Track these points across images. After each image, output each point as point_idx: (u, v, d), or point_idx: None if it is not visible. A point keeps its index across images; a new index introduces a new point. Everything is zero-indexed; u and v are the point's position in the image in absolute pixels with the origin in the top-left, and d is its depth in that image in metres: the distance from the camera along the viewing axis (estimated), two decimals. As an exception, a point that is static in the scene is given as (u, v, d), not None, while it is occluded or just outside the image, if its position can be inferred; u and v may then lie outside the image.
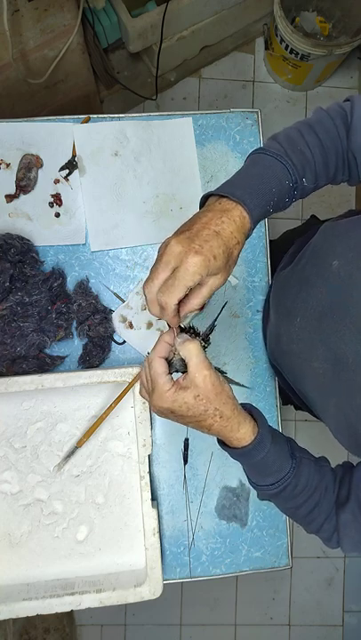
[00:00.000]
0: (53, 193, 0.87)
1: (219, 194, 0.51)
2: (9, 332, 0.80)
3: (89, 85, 1.54)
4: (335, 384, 0.58)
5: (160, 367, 0.52)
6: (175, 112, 0.91)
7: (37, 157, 0.86)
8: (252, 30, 1.89)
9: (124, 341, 0.87)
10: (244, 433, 0.54)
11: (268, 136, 0.61)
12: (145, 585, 0.75)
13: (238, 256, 0.51)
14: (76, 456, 0.81)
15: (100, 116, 0.89)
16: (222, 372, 0.62)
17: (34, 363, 0.82)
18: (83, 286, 0.85)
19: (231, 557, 0.86)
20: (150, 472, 0.82)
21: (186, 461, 0.86)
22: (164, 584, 0.77)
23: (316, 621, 1.89)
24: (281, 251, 0.89)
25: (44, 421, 0.81)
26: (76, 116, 0.88)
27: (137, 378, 0.77)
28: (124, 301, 0.87)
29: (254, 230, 0.53)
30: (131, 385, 0.77)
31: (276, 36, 1.70)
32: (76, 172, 0.87)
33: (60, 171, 0.87)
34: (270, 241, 0.92)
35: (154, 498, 0.83)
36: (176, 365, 0.54)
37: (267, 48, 1.86)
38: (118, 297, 0.87)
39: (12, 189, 0.86)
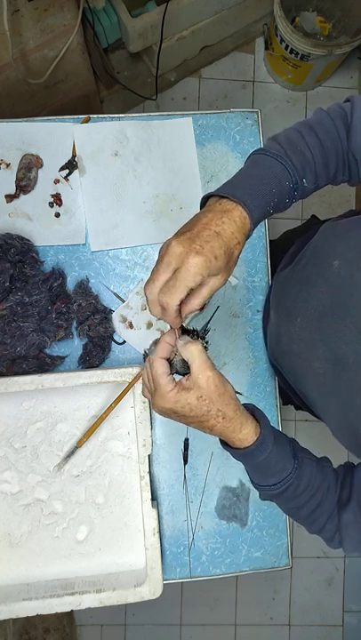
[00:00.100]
0: (53, 193, 0.87)
1: (219, 194, 0.51)
2: (9, 332, 0.80)
3: (89, 85, 1.54)
4: (336, 384, 0.58)
5: (161, 368, 0.53)
6: (175, 112, 0.91)
7: (37, 157, 0.86)
8: (252, 30, 1.89)
9: (124, 341, 0.87)
10: (247, 434, 0.54)
11: (268, 136, 0.61)
12: (145, 585, 0.75)
13: (239, 256, 0.51)
14: (76, 456, 0.81)
15: (100, 116, 0.89)
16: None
17: (34, 363, 0.82)
18: (83, 286, 0.85)
19: (231, 557, 0.86)
20: (150, 472, 0.82)
21: (186, 461, 0.86)
22: (164, 584, 0.77)
23: (316, 621, 1.89)
24: (281, 251, 0.89)
25: (44, 421, 0.81)
26: (76, 116, 0.88)
27: (137, 378, 0.77)
28: (124, 301, 0.87)
29: (254, 230, 0.53)
30: (131, 385, 0.77)
31: (276, 36, 1.70)
32: (76, 172, 0.87)
33: (60, 171, 0.87)
34: (270, 241, 0.92)
35: (154, 498, 0.83)
36: (177, 366, 0.54)
37: (267, 48, 1.86)
38: (118, 297, 0.87)
39: (12, 189, 0.86)
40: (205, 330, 0.58)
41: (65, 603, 0.74)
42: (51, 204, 0.86)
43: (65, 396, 0.81)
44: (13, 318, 0.80)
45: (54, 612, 0.74)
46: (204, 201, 0.54)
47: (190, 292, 0.48)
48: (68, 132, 0.87)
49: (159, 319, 0.53)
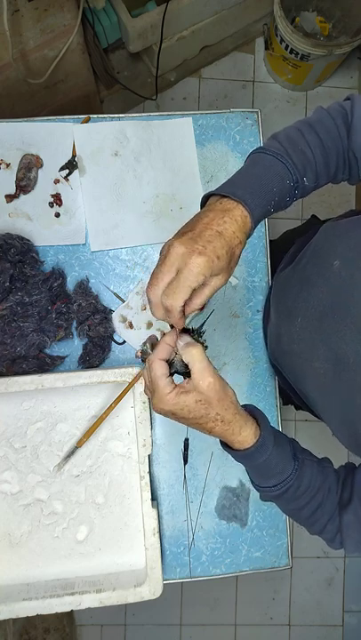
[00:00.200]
0: (53, 193, 0.87)
1: (220, 194, 0.51)
2: (9, 331, 0.80)
3: (89, 85, 1.54)
4: (336, 384, 0.58)
5: (160, 369, 0.52)
6: (175, 112, 0.91)
7: (37, 157, 0.86)
8: (252, 30, 1.89)
9: (124, 341, 0.87)
10: (246, 436, 0.54)
11: (268, 136, 0.61)
12: (145, 585, 0.75)
13: (240, 256, 0.51)
14: (76, 456, 0.81)
15: (100, 116, 0.89)
16: None
17: (34, 363, 0.82)
18: (83, 286, 0.85)
19: (231, 557, 0.86)
20: (150, 472, 0.82)
21: (186, 461, 0.86)
22: (164, 584, 0.77)
23: (316, 621, 1.89)
24: (281, 251, 0.89)
25: (44, 421, 0.81)
26: (76, 116, 0.88)
27: (137, 378, 0.77)
28: (124, 301, 0.87)
29: (255, 230, 0.53)
30: (131, 385, 0.77)
31: (276, 36, 1.70)
32: (76, 172, 0.87)
33: (60, 171, 0.87)
34: (270, 241, 0.92)
35: (154, 498, 0.83)
36: (177, 366, 0.54)
37: (267, 48, 1.86)
38: (118, 297, 0.87)
39: (12, 189, 0.86)
40: (201, 331, 0.58)
41: (65, 603, 0.74)
42: (51, 204, 0.86)
43: (65, 396, 0.81)
44: (13, 318, 0.80)
45: (54, 611, 0.74)
46: (205, 200, 0.54)
47: (192, 292, 0.48)
48: (68, 132, 0.87)
49: (153, 316, 0.53)
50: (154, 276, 0.49)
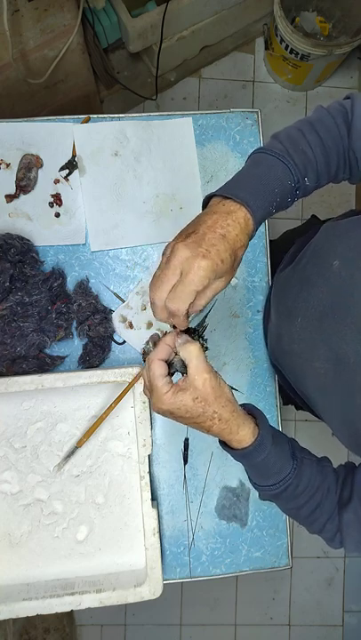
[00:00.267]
0: (53, 193, 0.87)
1: (222, 195, 0.51)
2: (9, 331, 0.80)
3: (89, 85, 1.54)
4: (336, 384, 0.58)
5: (158, 369, 0.52)
6: (175, 112, 0.91)
7: (37, 157, 0.86)
8: (252, 30, 1.89)
9: (124, 341, 0.87)
10: (244, 435, 0.54)
11: (268, 136, 0.61)
12: (145, 585, 0.75)
13: (242, 258, 0.51)
14: (76, 456, 0.81)
15: (100, 116, 0.89)
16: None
17: (34, 363, 0.82)
18: (83, 286, 0.85)
19: (231, 557, 0.86)
20: (150, 472, 0.82)
21: (186, 461, 0.86)
22: (164, 584, 0.77)
23: (316, 621, 1.89)
24: (281, 251, 0.89)
25: (44, 421, 0.81)
26: (76, 116, 0.88)
27: (137, 378, 0.77)
28: (124, 301, 0.87)
29: (256, 231, 0.53)
30: (131, 385, 0.77)
31: (276, 36, 1.70)
32: (76, 172, 0.87)
33: (60, 171, 0.87)
34: (270, 241, 0.92)
35: (154, 498, 0.83)
36: (176, 366, 0.54)
37: (267, 48, 1.86)
38: (118, 297, 0.87)
39: (12, 189, 0.86)
40: (203, 326, 0.58)
41: (65, 603, 0.74)
42: (51, 204, 0.86)
43: (65, 396, 0.81)
44: (13, 318, 0.80)
45: (54, 611, 0.74)
46: (207, 201, 0.54)
47: None
48: (68, 132, 0.87)
49: (156, 319, 0.53)
50: (158, 279, 0.48)
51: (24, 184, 0.85)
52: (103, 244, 0.87)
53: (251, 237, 0.51)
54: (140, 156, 0.89)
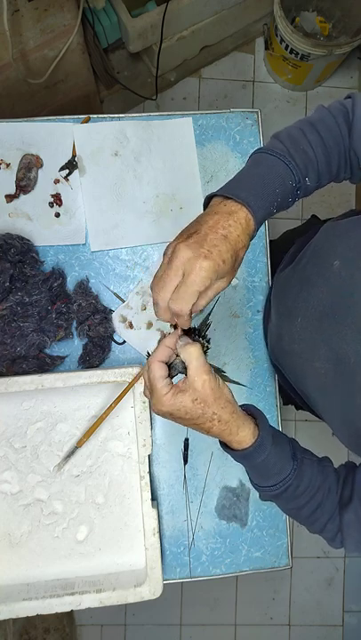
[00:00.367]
0: (53, 193, 0.87)
1: (223, 195, 0.51)
2: (9, 331, 0.80)
3: (89, 85, 1.54)
4: (337, 384, 0.58)
5: (158, 371, 0.52)
6: (175, 112, 0.91)
7: (37, 157, 0.86)
8: (252, 30, 1.89)
9: (124, 341, 0.87)
10: (244, 436, 0.54)
11: (268, 136, 0.61)
12: (145, 585, 0.75)
13: (243, 258, 0.51)
14: (76, 456, 0.81)
15: (100, 116, 0.89)
16: (221, 372, 0.62)
17: (34, 363, 0.82)
18: (83, 286, 0.85)
19: (231, 557, 0.86)
20: (150, 472, 0.82)
21: (186, 461, 0.86)
22: (164, 584, 0.77)
23: (316, 621, 1.89)
24: (281, 251, 0.89)
25: (44, 421, 0.81)
26: (76, 116, 0.88)
27: (137, 378, 0.77)
28: (124, 301, 0.87)
29: (257, 232, 0.53)
30: (131, 385, 0.77)
31: (276, 36, 1.70)
32: (76, 172, 0.87)
33: (60, 171, 0.87)
34: (270, 241, 0.92)
35: (154, 498, 0.83)
36: (178, 367, 0.54)
37: (267, 48, 1.86)
38: (118, 297, 0.87)
39: (12, 189, 0.86)
40: (207, 324, 0.58)
41: (65, 603, 0.74)
42: (51, 204, 0.86)
43: (65, 396, 0.81)
44: (13, 318, 0.80)
45: (54, 611, 0.74)
46: (208, 201, 0.54)
47: None
48: (68, 132, 0.87)
49: (158, 319, 0.53)
50: (160, 279, 0.48)
51: (24, 184, 0.85)
52: (103, 243, 0.87)
53: (252, 238, 0.51)
54: (140, 155, 0.89)
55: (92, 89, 1.57)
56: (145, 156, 0.89)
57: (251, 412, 0.58)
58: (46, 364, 0.83)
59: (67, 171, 0.87)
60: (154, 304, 0.50)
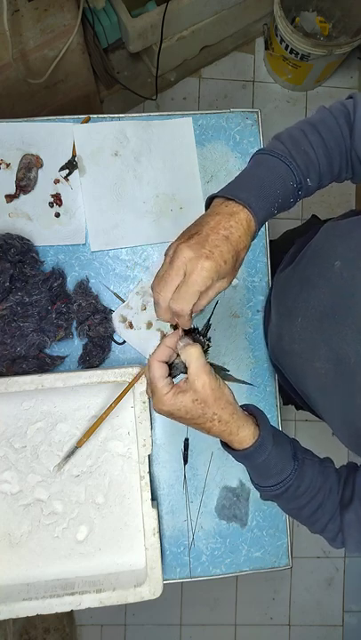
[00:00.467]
0: (53, 193, 0.87)
1: (224, 196, 0.51)
2: (9, 331, 0.80)
3: (89, 85, 1.54)
4: (337, 384, 0.58)
5: (158, 371, 0.53)
6: (175, 112, 0.91)
7: (37, 157, 0.86)
8: (252, 30, 1.89)
9: (124, 341, 0.87)
10: (245, 436, 0.54)
11: (268, 136, 0.61)
12: (145, 585, 0.75)
13: (244, 259, 0.51)
14: (76, 456, 0.81)
15: (100, 116, 0.89)
16: (225, 370, 0.62)
17: (34, 363, 0.82)
18: (83, 286, 0.85)
19: (231, 557, 0.86)
20: (150, 472, 0.82)
21: (186, 461, 0.86)
22: (164, 584, 0.77)
23: (316, 621, 1.89)
24: (281, 251, 0.89)
25: (44, 421, 0.81)
26: (76, 116, 0.88)
27: (137, 378, 0.77)
28: (124, 301, 0.87)
29: (259, 232, 0.53)
30: (131, 385, 0.77)
31: (276, 35, 1.70)
32: (76, 172, 0.87)
33: (60, 171, 0.87)
34: (270, 241, 0.92)
35: (154, 498, 0.83)
36: (180, 368, 0.54)
37: (267, 48, 1.86)
38: (118, 297, 0.87)
39: (12, 189, 0.86)
40: (208, 326, 0.58)
41: (65, 603, 0.74)
42: (51, 204, 0.86)
43: (65, 396, 0.81)
44: (13, 318, 0.80)
45: (54, 611, 0.74)
46: (209, 202, 0.54)
47: None
48: (68, 132, 0.87)
49: (159, 319, 0.53)
50: (162, 279, 0.49)
51: (24, 184, 0.85)
52: (103, 243, 0.87)
53: (253, 238, 0.51)
54: (140, 155, 0.89)
55: (92, 89, 1.58)
56: (145, 156, 0.89)
57: (252, 411, 0.58)
58: (46, 364, 0.83)
59: (67, 171, 0.87)
60: (155, 304, 0.50)
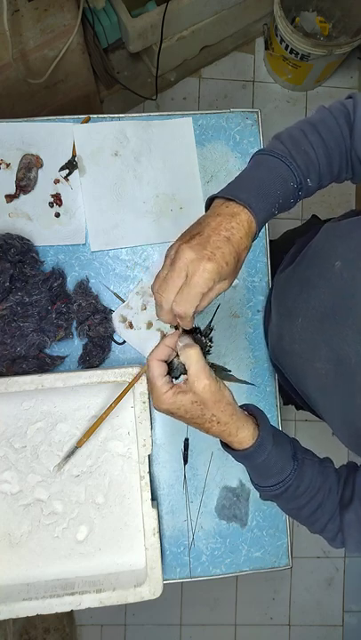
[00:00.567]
0: (53, 193, 0.87)
1: (225, 196, 0.51)
2: (9, 331, 0.80)
3: (89, 85, 1.54)
4: (337, 384, 0.58)
5: (157, 369, 0.53)
6: (175, 112, 0.91)
7: (37, 157, 0.86)
8: (252, 30, 1.89)
9: (124, 341, 0.87)
10: (244, 437, 0.54)
11: (268, 136, 0.61)
12: (145, 585, 0.75)
13: (245, 260, 0.51)
14: (76, 456, 0.81)
15: (100, 116, 0.89)
16: (226, 370, 0.62)
17: (34, 363, 0.82)
18: (83, 286, 0.85)
19: (231, 557, 0.86)
20: (150, 472, 0.82)
21: (186, 461, 0.86)
22: (164, 584, 0.77)
23: (316, 621, 1.89)
24: (281, 251, 0.89)
25: (44, 421, 0.81)
26: (76, 116, 0.88)
27: (137, 378, 0.77)
28: (124, 301, 0.87)
29: (259, 233, 0.53)
30: (131, 385, 0.77)
31: (276, 36, 1.70)
32: (76, 172, 0.87)
33: (60, 171, 0.87)
34: (271, 241, 0.92)
35: (154, 498, 0.83)
36: (180, 369, 0.54)
37: (267, 48, 1.86)
38: (118, 297, 0.87)
39: (12, 189, 0.86)
40: (210, 328, 0.58)
41: (65, 603, 0.74)
42: (51, 204, 0.86)
43: (65, 396, 0.81)
44: (13, 318, 0.80)
45: (54, 611, 0.74)
46: (209, 202, 0.54)
47: None
48: (68, 132, 0.87)
49: (159, 319, 0.53)
50: (164, 281, 0.48)
51: (24, 184, 0.85)
52: (103, 244, 0.87)
53: (254, 239, 0.51)
54: (140, 155, 0.89)
55: (92, 89, 1.57)
56: (145, 156, 0.89)
57: (252, 411, 0.58)
58: (46, 364, 0.83)
59: (67, 171, 0.87)
60: (157, 306, 0.50)
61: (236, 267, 0.49)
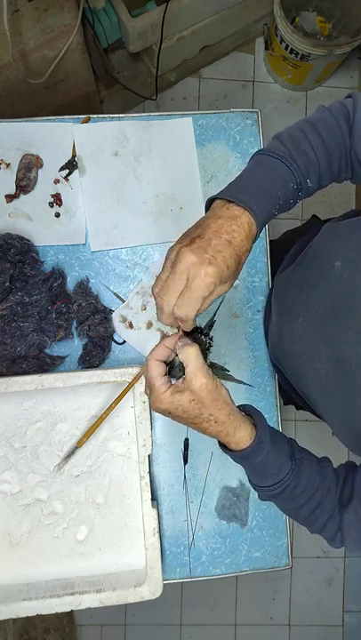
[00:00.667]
0: (53, 193, 0.87)
1: (225, 198, 0.51)
2: (9, 331, 0.80)
3: (89, 85, 1.54)
4: (337, 384, 0.58)
5: (155, 370, 0.53)
6: (175, 112, 0.91)
7: (37, 157, 0.86)
8: (252, 30, 1.89)
9: (124, 341, 0.87)
10: (241, 437, 0.54)
11: (268, 136, 0.61)
12: (145, 585, 0.75)
13: (245, 262, 0.51)
14: (76, 456, 0.81)
15: (100, 116, 0.89)
16: (225, 370, 0.62)
17: (34, 363, 0.82)
18: (83, 286, 0.85)
19: (231, 557, 0.86)
20: (150, 472, 0.82)
21: (186, 461, 0.86)
22: (164, 584, 0.77)
23: (316, 621, 1.89)
24: (281, 251, 0.89)
25: (44, 421, 0.81)
26: (76, 116, 0.88)
27: (137, 378, 0.77)
28: (124, 301, 0.87)
29: (260, 235, 0.53)
30: (131, 385, 0.77)
31: (276, 36, 1.70)
32: (76, 172, 0.87)
33: (60, 171, 0.87)
34: (271, 241, 0.92)
35: (154, 498, 0.83)
36: (180, 368, 0.54)
37: (267, 48, 1.86)
38: (118, 297, 0.87)
39: (12, 189, 0.86)
40: (211, 324, 0.58)
41: (65, 603, 0.74)
42: (51, 204, 0.86)
43: (65, 396, 0.81)
44: (13, 318, 0.80)
45: (54, 611, 0.74)
46: (209, 203, 0.54)
47: None
48: (68, 132, 0.87)
49: (160, 322, 0.53)
50: (165, 285, 0.48)
51: (24, 184, 0.85)
52: (103, 244, 0.87)
53: (254, 241, 0.51)
54: (140, 155, 0.89)
55: (92, 89, 1.58)
56: (145, 156, 0.89)
57: (249, 412, 0.58)
58: (46, 364, 0.83)
59: (67, 171, 0.87)
60: (158, 309, 0.50)
61: (237, 269, 0.49)
